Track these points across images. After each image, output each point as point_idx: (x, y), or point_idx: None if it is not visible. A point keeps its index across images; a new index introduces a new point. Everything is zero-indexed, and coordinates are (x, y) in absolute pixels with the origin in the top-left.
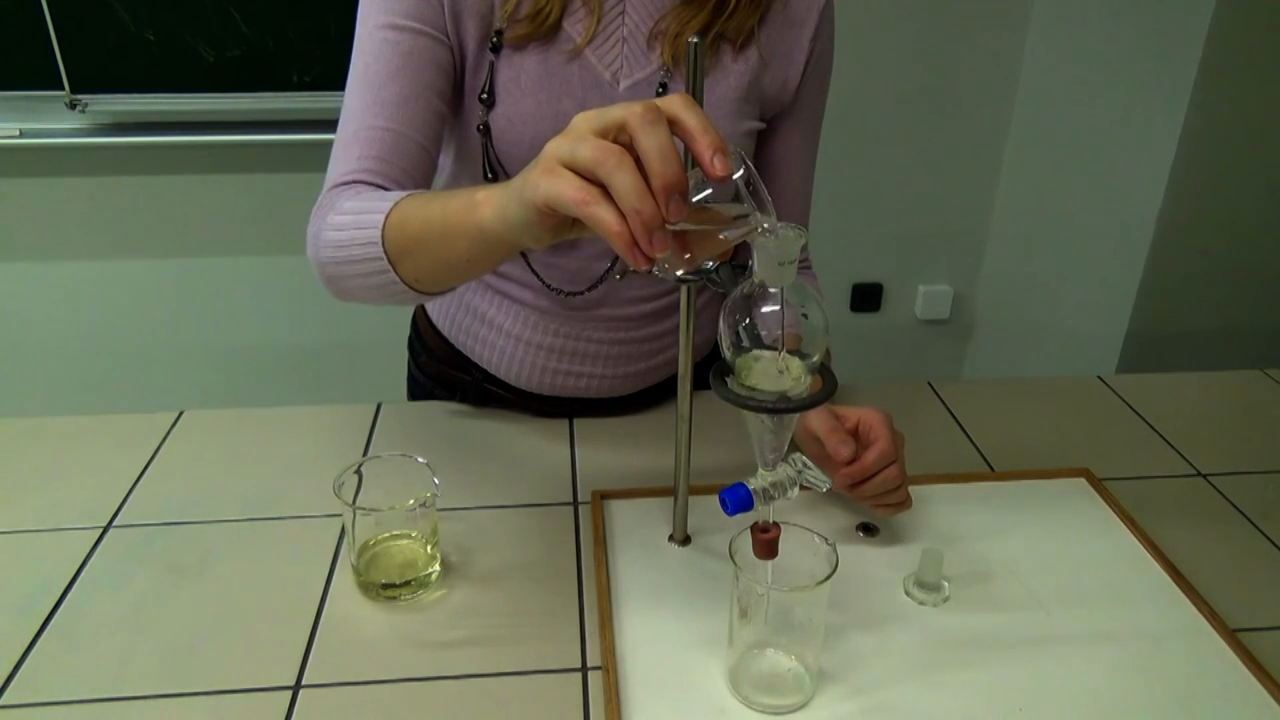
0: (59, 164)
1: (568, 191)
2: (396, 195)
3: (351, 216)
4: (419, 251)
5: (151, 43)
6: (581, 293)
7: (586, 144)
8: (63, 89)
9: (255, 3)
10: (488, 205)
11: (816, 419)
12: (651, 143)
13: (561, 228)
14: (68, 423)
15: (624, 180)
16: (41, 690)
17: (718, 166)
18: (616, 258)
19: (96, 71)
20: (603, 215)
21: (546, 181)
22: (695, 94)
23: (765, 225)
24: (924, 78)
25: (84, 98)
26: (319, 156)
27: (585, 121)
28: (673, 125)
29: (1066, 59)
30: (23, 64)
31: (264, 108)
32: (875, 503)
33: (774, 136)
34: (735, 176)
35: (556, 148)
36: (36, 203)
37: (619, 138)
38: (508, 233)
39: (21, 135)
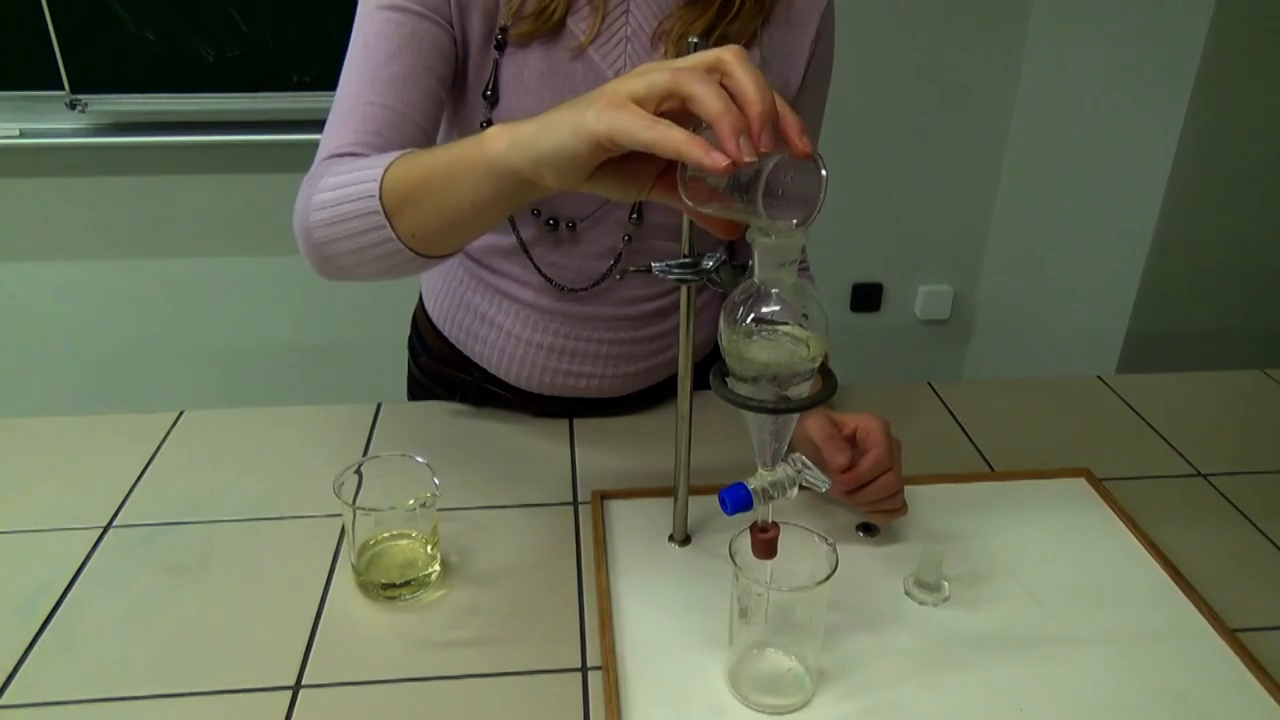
0: (59, 164)
1: (633, 120)
2: (398, 152)
3: (347, 175)
4: (421, 199)
5: (151, 43)
6: (584, 290)
7: (663, 72)
8: (63, 89)
9: (255, 3)
10: (502, 138)
11: (814, 424)
12: (749, 75)
13: (587, 172)
14: (68, 423)
15: (708, 89)
16: (41, 690)
17: (804, 144)
18: (618, 258)
19: (96, 71)
20: (671, 134)
21: (612, 114)
22: None
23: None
24: (924, 78)
25: (84, 98)
26: None
27: (659, 63)
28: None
29: (1066, 60)
30: (23, 64)
31: (264, 108)
32: (871, 509)
33: None
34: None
35: (625, 84)
36: (36, 203)
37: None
38: (527, 165)
39: (21, 135)
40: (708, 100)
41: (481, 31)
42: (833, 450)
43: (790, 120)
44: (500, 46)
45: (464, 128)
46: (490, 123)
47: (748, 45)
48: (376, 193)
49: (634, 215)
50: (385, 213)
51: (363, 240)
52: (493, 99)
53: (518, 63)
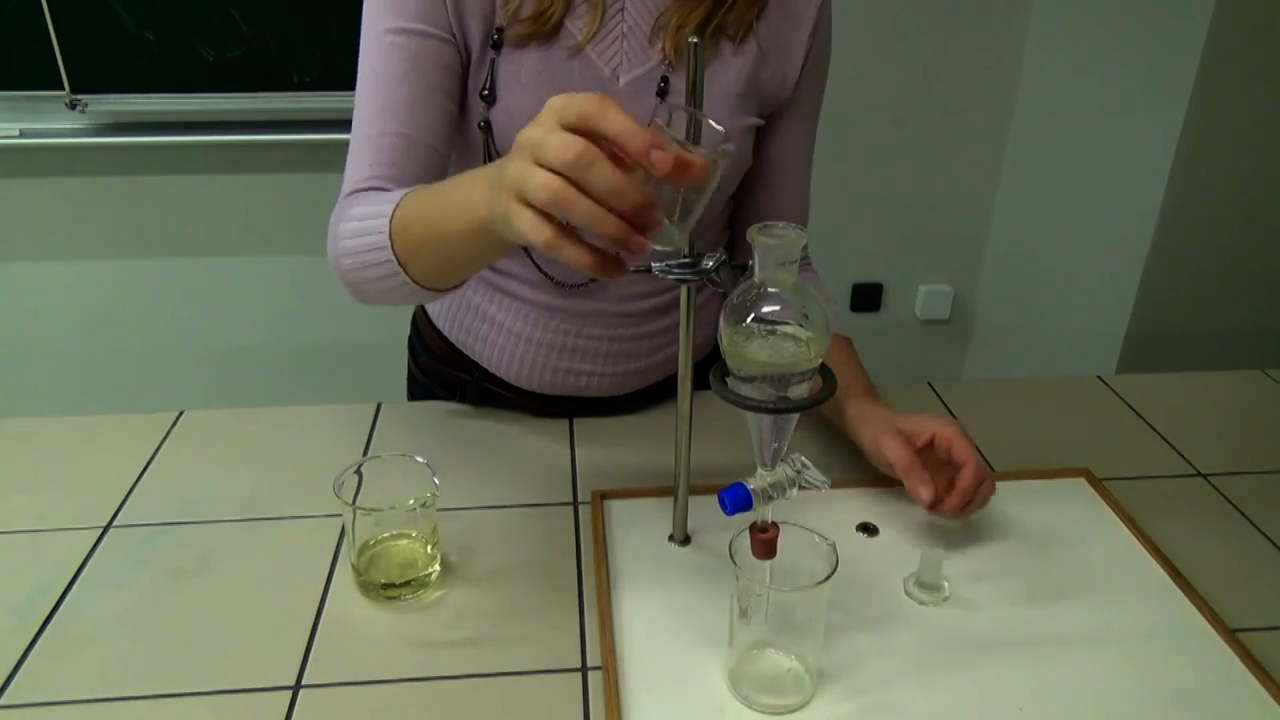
0: (59, 164)
1: (535, 236)
2: (397, 195)
3: (360, 223)
4: (426, 253)
5: (151, 43)
6: (582, 285)
7: (537, 186)
8: (63, 89)
9: (255, 3)
10: (483, 207)
11: (891, 447)
12: (599, 184)
13: None
14: (68, 423)
15: (581, 213)
16: (41, 690)
17: (657, 164)
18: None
19: (96, 71)
20: (569, 254)
21: (515, 218)
22: (696, 94)
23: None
24: (924, 78)
25: (84, 98)
26: (319, 157)
27: (525, 155)
28: (597, 136)
29: (1066, 59)
30: (23, 64)
31: (264, 108)
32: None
33: (773, 133)
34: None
35: (512, 178)
36: (36, 203)
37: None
38: (505, 229)
39: (21, 135)
40: (586, 226)
41: (480, 35)
42: (916, 484)
43: (633, 150)
44: (496, 46)
45: (464, 128)
46: (489, 123)
47: (744, 38)
48: (388, 244)
49: None
50: (399, 262)
51: (387, 283)
52: (490, 99)
53: (515, 62)
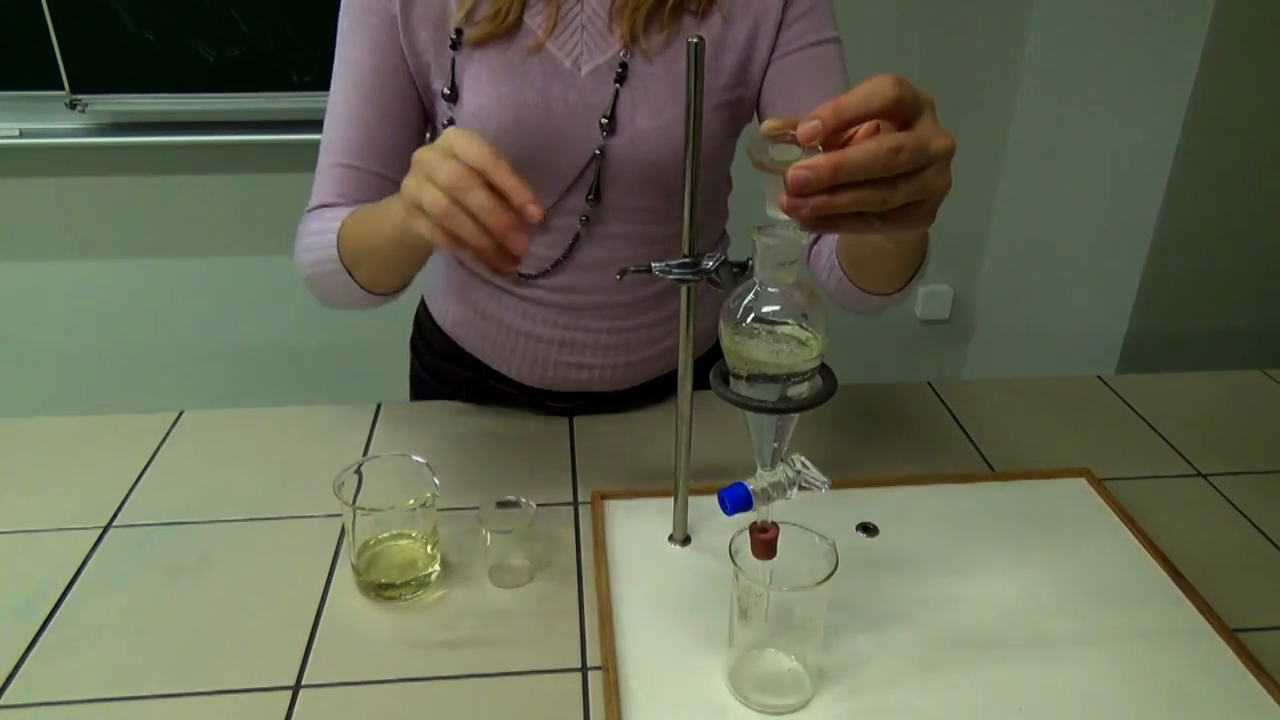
0: (59, 164)
1: (433, 238)
2: (345, 211)
3: (315, 237)
4: (364, 258)
5: (151, 43)
6: (540, 275)
7: (430, 202)
8: (63, 89)
9: (255, 3)
10: (399, 216)
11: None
12: (473, 204)
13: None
14: (68, 423)
15: (462, 226)
16: (41, 690)
17: (532, 213)
18: (576, 237)
19: (96, 71)
20: (463, 253)
21: (416, 224)
22: (695, 95)
23: None
24: (924, 77)
25: (84, 98)
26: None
27: (420, 173)
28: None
29: (1066, 59)
30: (23, 64)
31: (264, 108)
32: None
33: (785, 78)
34: None
35: (411, 192)
36: (36, 203)
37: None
38: (413, 233)
39: (21, 135)
40: (478, 214)
41: (434, 42)
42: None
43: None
44: (455, 46)
45: (431, 127)
46: (453, 121)
47: (707, 10)
48: (336, 253)
49: (590, 196)
50: (346, 269)
51: (340, 288)
52: (452, 97)
53: (475, 61)
